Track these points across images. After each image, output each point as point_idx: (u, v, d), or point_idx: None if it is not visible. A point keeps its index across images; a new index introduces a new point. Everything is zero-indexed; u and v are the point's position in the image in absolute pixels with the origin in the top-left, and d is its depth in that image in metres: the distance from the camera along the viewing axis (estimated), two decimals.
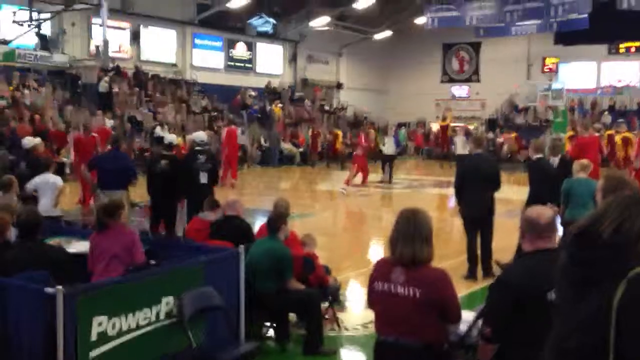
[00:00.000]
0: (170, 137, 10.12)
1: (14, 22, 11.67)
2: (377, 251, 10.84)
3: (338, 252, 9.99)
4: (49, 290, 3.94)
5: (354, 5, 31.52)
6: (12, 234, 5.75)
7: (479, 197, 8.31)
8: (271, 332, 6.14)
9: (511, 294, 3.19)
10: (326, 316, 6.41)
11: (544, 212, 3.45)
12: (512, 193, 12.73)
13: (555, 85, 32.43)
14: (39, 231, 5.22)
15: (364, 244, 11.76)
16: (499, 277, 3.37)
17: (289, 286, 5.78)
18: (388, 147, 20.73)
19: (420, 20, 31.34)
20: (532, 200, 8.08)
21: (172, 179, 9.01)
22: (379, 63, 38.93)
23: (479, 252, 8.54)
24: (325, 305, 6.43)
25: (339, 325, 6.51)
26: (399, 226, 3.62)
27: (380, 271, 3.67)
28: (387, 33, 36.80)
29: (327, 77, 37.45)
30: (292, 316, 6.25)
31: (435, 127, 34.71)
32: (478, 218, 8.42)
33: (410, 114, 37.52)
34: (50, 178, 9.11)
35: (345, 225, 14.20)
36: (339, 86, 38.22)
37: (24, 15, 11.78)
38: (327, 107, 35.67)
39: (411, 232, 3.56)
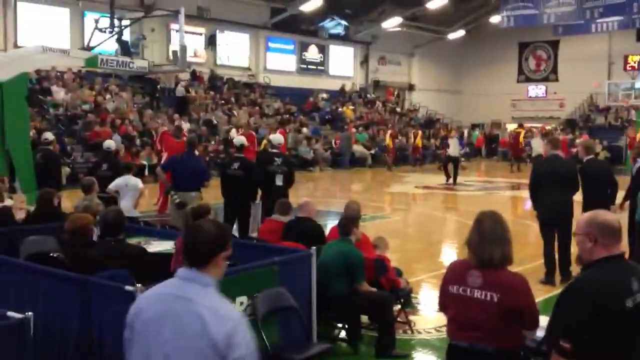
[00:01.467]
0: (240, 139, 10.28)
1: (96, 28, 12.11)
2: (449, 254, 10.70)
3: (410, 254, 9.92)
4: (129, 288, 4.07)
5: (427, 5, 31.22)
6: (94, 234, 5.99)
7: (555, 199, 8.07)
8: (343, 334, 6.15)
9: (592, 307, 3.02)
10: (398, 319, 6.38)
11: (613, 216, 3.31)
12: None
13: (639, 84, 31.14)
14: (122, 230, 5.42)
15: (435, 246, 11.62)
16: (574, 287, 3.17)
17: (361, 288, 5.77)
18: (452, 149, 20.44)
19: (496, 19, 30.75)
20: (586, 205, 7.87)
21: (244, 180, 9.17)
22: (452, 63, 38.40)
23: (556, 256, 8.30)
24: (397, 307, 6.39)
25: (411, 328, 6.46)
26: (478, 228, 3.55)
27: (455, 274, 3.62)
28: (461, 32, 36.28)
29: (399, 78, 37.24)
30: (365, 318, 6.25)
31: (510, 127, 33.94)
32: (554, 221, 8.18)
33: (485, 114, 36.84)
34: (131, 180, 9.45)
35: (417, 228, 14.07)
36: (411, 87, 37.93)
37: (105, 22, 12.21)
38: (398, 109, 35.46)
39: (490, 235, 3.49)
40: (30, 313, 3.36)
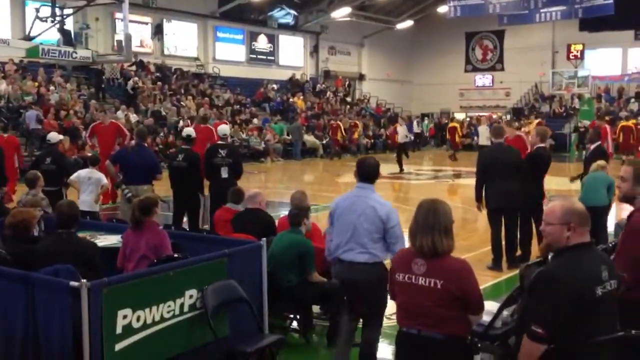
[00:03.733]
0: (188, 131, 10.16)
1: (37, 18, 11.75)
2: None
3: None
4: (74, 284, 3.98)
5: None
6: (39, 228, 5.83)
7: (502, 187, 8.23)
8: (295, 324, 6.15)
9: (570, 293, 3.09)
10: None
11: (580, 203, 3.39)
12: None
13: (581, 73, 31.98)
14: (75, 224, 5.29)
15: None
16: (553, 274, 3.17)
17: (311, 278, 5.78)
18: (401, 135, 20.83)
19: (443, 9, 31.10)
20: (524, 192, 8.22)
21: (189, 172, 9.08)
22: (401, 53, 38.72)
23: (503, 242, 8.47)
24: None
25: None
26: (419, 217, 3.59)
27: (401, 262, 3.65)
28: (409, 23, 36.60)
29: (349, 68, 37.35)
30: (316, 308, 6.26)
31: (459, 116, 34.46)
32: (502, 208, 8.34)
33: (435, 104, 37.34)
34: (95, 174, 9.25)
35: None
36: (361, 77, 38.09)
37: (47, 11, 11.86)
38: (349, 99, 35.58)
39: (431, 223, 3.52)
40: None
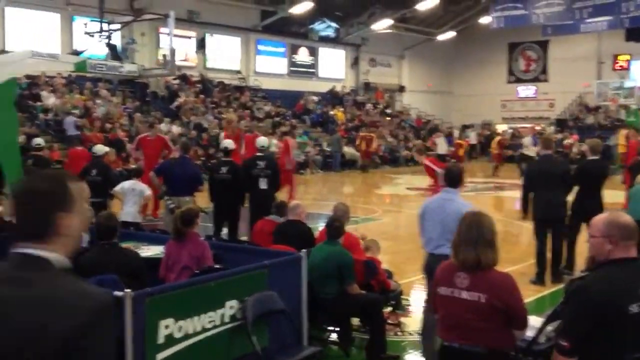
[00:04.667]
0: (227, 142, 10.27)
1: (85, 33, 12.07)
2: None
3: (401, 256, 9.92)
4: (118, 293, 4.05)
5: (416, 7, 31.30)
6: (85, 238, 5.95)
7: (549, 199, 8.10)
8: (334, 337, 6.14)
9: (594, 308, 3.03)
10: (389, 321, 6.37)
11: (630, 217, 3.29)
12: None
13: (628, 84, 31.30)
14: (114, 235, 5.40)
15: None
16: (582, 287, 3.13)
17: (351, 291, 5.77)
18: (440, 148, 20.52)
19: (485, 20, 30.85)
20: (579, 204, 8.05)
21: (232, 184, 9.17)
22: (442, 64, 38.52)
23: (548, 255, 8.33)
24: (388, 309, 6.39)
25: (402, 330, 6.46)
26: (462, 230, 3.57)
27: (444, 276, 3.63)
28: (451, 34, 36.40)
29: (389, 80, 37.30)
30: (356, 320, 6.24)
31: (501, 128, 34.06)
32: (549, 220, 8.21)
33: (476, 115, 36.96)
34: (138, 185, 9.42)
35: (407, 229, 14.05)
36: (401, 89, 38.00)
37: (95, 26, 12.17)
38: (389, 111, 35.52)
39: (474, 236, 3.50)
40: None
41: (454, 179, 5.71)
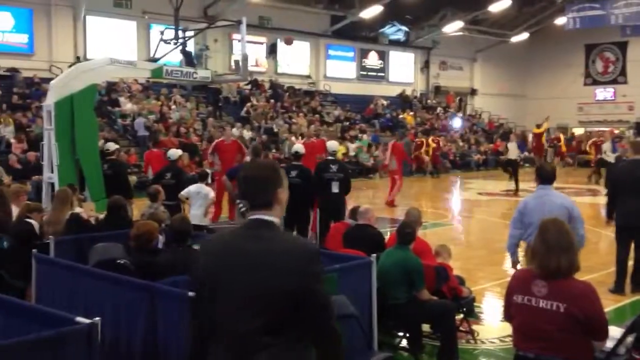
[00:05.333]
0: (297, 147, 10.34)
1: (161, 40, 12.42)
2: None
3: (472, 262, 9.75)
4: (192, 294, 4.14)
5: (489, 9, 30.76)
6: (160, 241, 6.13)
7: (633, 204, 7.76)
8: (404, 343, 6.09)
9: None
10: (461, 328, 6.27)
11: None
12: None
13: None
14: (188, 238, 5.54)
15: (499, 254, 11.35)
16: None
17: (421, 296, 5.71)
18: (511, 152, 19.91)
19: (561, 21, 30.04)
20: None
21: (302, 188, 9.23)
22: (515, 67, 37.69)
23: (630, 264, 8.00)
24: (459, 316, 6.29)
25: (474, 338, 6.34)
26: (543, 237, 3.48)
27: (520, 283, 3.54)
28: (524, 35, 35.60)
29: (460, 83, 36.79)
30: (427, 327, 6.17)
31: (578, 131, 33.02)
32: (632, 227, 7.87)
33: (551, 119, 35.86)
34: (203, 189, 9.64)
35: (479, 235, 13.83)
36: (473, 92, 37.39)
37: (170, 33, 12.50)
38: (460, 114, 35.01)
39: (553, 243, 3.40)
40: (98, 318, 3.45)
41: (547, 176, 6.10)
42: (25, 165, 16.62)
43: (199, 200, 9.54)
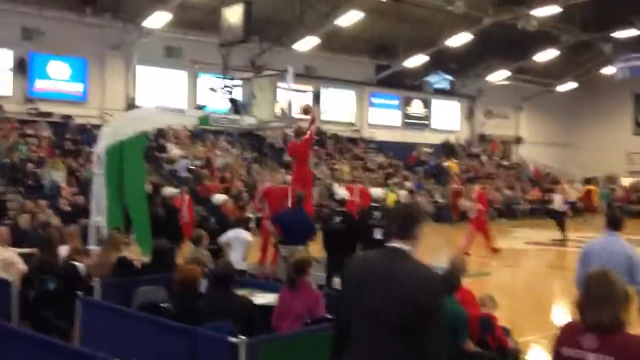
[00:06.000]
0: (342, 193, 10.37)
1: (209, 89, 12.73)
2: (560, 314, 10.16)
3: (518, 313, 9.50)
4: (234, 340, 4.14)
5: (534, 59, 30.67)
6: (203, 284, 6.17)
7: None
8: None
9: None
10: None
11: None
12: None
13: None
14: (231, 282, 5.57)
15: (546, 305, 11.08)
16: None
17: (465, 347, 5.58)
18: (556, 203, 19.54)
19: (608, 71, 29.70)
20: None
21: (345, 234, 9.21)
22: (562, 116, 37.26)
23: None
24: None
25: None
26: (589, 288, 3.38)
27: (569, 336, 3.43)
28: (572, 85, 35.27)
29: (506, 131, 36.50)
30: None
31: (626, 181, 32.27)
32: None
33: (599, 168, 35.25)
34: (241, 233, 9.71)
35: (525, 285, 13.51)
36: (519, 140, 37.03)
37: (218, 82, 12.81)
38: (505, 163, 34.66)
39: (602, 295, 3.30)
40: None
41: (616, 222, 6.20)
42: (74, 208, 17.05)
43: (238, 245, 9.60)
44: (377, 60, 30.66)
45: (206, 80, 14.18)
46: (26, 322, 6.15)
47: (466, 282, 6.26)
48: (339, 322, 3.36)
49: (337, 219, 9.46)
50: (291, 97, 13.48)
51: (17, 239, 10.00)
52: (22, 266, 7.45)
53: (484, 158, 33.54)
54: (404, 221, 3.27)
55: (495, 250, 16.28)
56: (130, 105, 22.83)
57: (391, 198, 24.34)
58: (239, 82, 14.04)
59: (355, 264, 3.41)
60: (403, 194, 25.21)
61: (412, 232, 3.26)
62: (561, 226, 19.21)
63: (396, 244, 3.22)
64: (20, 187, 18.13)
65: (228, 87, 12.78)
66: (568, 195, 22.65)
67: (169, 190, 12.02)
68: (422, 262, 3.22)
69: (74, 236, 7.83)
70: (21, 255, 7.89)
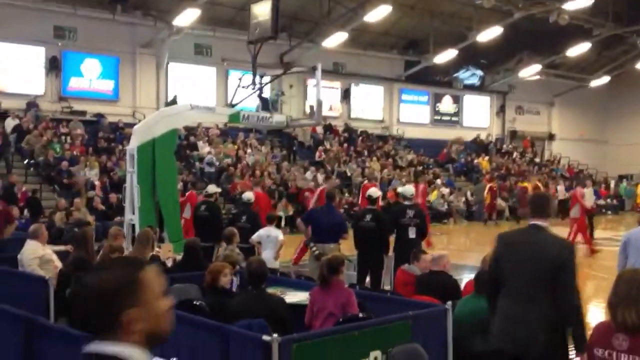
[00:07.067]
0: (371, 191, 10.33)
1: (239, 86, 12.79)
2: (593, 314, 10.00)
3: None
4: (266, 338, 4.16)
5: (567, 53, 30.21)
6: (234, 283, 6.21)
7: None
8: None
9: None
10: None
11: None
12: None
13: None
14: (264, 280, 5.59)
15: (583, 304, 10.89)
16: None
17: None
18: (588, 200, 19.22)
19: None
20: None
21: (376, 232, 9.17)
22: (595, 111, 36.65)
23: None
24: None
25: None
26: (620, 288, 3.34)
27: (600, 336, 3.40)
28: (605, 79, 34.64)
29: (538, 127, 36.04)
30: None
31: None
32: None
33: (634, 165, 34.58)
34: (273, 232, 9.74)
35: None
36: (551, 137, 36.53)
37: (248, 79, 12.86)
38: (537, 159, 34.21)
39: (634, 295, 3.26)
40: (174, 359, 3.51)
41: None
42: (108, 206, 17.29)
43: (269, 244, 9.62)
44: (407, 56, 30.50)
45: (236, 78, 14.21)
46: (63, 319, 6.25)
47: None
48: (492, 280, 4.60)
49: (368, 217, 9.42)
50: (320, 94, 13.48)
51: (53, 236, 10.18)
52: (58, 263, 7.57)
53: (515, 155, 33.15)
54: (541, 204, 4.51)
55: (594, 252, 16.47)
56: (162, 103, 23.05)
57: (434, 195, 24.30)
58: (268, 79, 14.10)
59: (505, 238, 4.74)
60: (445, 190, 25.13)
61: (547, 212, 4.49)
62: (589, 222, 19.06)
63: (536, 221, 4.44)
64: (54, 186, 18.43)
65: (257, 84, 12.84)
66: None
67: (210, 188, 12.10)
68: (555, 235, 4.52)
69: (117, 235, 7.93)
70: (57, 252, 8.02)
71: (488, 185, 24.59)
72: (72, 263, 6.79)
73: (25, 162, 19.34)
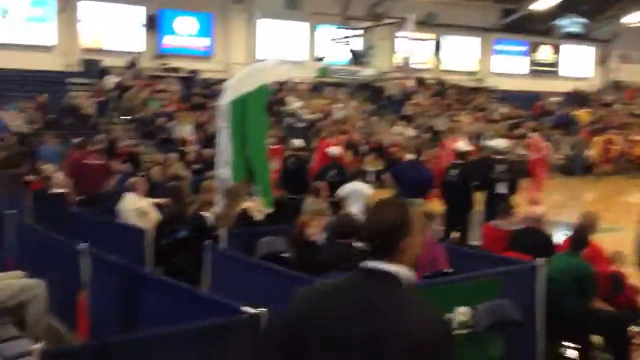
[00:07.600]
0: (460, 145, 10.09)
1: (331, 40, 12.72)
2: None
3: None
4: None
5: None
6: (322, 236, 6.28)
7: None
8: (571, 353, 5.73)
9: None
10: (635, 341, 5.79)
11: None
12: None
13: None
14: (352, 235, 5.62)
15: None
16: None
17: (592, 306, 5.35)
18: None
19: None
20: None
21: (462, 187, 9.00)
22: None
23: None
24: (635, 329, 5.81)
25: None
26: None
27: None
28: None
29: None
30: (599, 338, 5.77)
31: None
32: None
33: None
34: (360, 186, 9.74)
35: None
36: None
37: (337, 33, 12.76)
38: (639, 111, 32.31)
39: None
40: (263, 309, 3.59)
41: None
42: (202, 161, 17.76)
43: (357, 198, 9.62)
44: (503, 4, 29.28)
45: (325, 32, 14.12)
46: (159, 268, 6.55)
47: (597, 239, 5.97)
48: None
49: (454, 172, 9.24)
50: (412, 47, 13.20)
51: (150, 190, 10.60)
52: (155, 215, 7.89)
53: (617, 106, 31.42)
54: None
55: None
56: (252, 59, 23.27)
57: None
58: (358, 32, 13.94)
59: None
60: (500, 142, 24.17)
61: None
62: None
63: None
64: (153, 141, 19.12)
65: (347, 37, 12.71)
66: None
67: (298, 142, 12.24)
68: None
69: (209, 189, 8.16)
70: (155, 205, 8.35)
71: (603, 138, 23.56)
72: (168, 215, 7.07)
73: (126, 118, 20.14)
